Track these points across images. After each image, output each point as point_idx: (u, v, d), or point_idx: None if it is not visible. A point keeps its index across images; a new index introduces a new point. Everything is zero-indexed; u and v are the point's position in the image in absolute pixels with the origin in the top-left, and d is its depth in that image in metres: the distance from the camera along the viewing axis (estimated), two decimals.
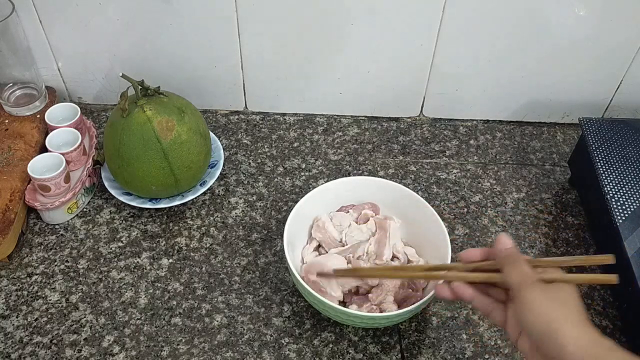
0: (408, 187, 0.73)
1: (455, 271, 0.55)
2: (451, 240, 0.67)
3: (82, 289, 0.72)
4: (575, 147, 0.83)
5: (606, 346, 0.45)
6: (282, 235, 0.70)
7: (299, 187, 0.84)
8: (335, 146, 0.90)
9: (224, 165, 0.85)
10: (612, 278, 0.49)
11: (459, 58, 0.86)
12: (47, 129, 0.83)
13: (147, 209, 0.80)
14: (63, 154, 0.76)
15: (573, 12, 0.80)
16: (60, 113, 0.82)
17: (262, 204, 0.82)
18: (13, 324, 0.69)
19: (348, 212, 0.75)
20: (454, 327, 0.70)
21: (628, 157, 0.76)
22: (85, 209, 0.81)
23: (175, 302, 0.71)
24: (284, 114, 0.95)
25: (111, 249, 0.76)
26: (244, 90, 0.92)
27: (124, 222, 0.79)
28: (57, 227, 0.78)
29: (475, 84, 0.90)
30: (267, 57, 0.87)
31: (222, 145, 0.85)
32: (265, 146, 0.90)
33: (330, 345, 0.68)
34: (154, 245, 0.77)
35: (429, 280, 0.59)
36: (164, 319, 0.69)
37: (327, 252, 0.71)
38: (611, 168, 0.74)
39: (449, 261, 0.65)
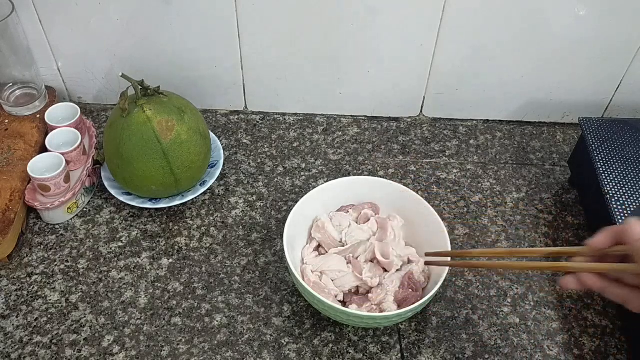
0: (408, 187, 0.73)
1: (579, 257, 0.52)
2: (451, 240, 0.67)
3: (82, 289, 0.72)
4: (575, 147, 0.83)
5: None
6: (282, 235, 0.70)
7: (299, 187, 0.84)
8: (335, 146, 0.90)
9: (224, 165, 0.85)
10: None
11: (459, 58, 0.86)
12: (47, 129, 0.83)
13: (147, 208, 0.80)
14: (63, 154, 0.76)
15: (573, 12, 0.80)
16: (60, 113, 0.82)
17: (262, 204, 0.82)
18: (13, 324, 0.69)
19: (348, 212, 0.75)
20: (454, 327, 0.70)
21: (628, 157, 0.76)
22: (85, 209, 0.81)
23: (175, 302, 0.71)
24: (284, 114, 0.95)
25: (111, 248, 0.76)
26: (244, 90, 0.92)
27: (123, 222, 0.79)
28: (57, 227, 0.78)
29: (475, 84, 0.90)
30: (267, 57, 0.87)
31: (222, 145, 0.85)
32: (265, 146, 0.90)
33: (330, 345, 0.68)
34: (154, 245, 0.77)
35: (554, 271, 0.56)
36: (164, 319, 0.69)
37: (327, 252, 0.71)
38: (611, 168, 0.74)
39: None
